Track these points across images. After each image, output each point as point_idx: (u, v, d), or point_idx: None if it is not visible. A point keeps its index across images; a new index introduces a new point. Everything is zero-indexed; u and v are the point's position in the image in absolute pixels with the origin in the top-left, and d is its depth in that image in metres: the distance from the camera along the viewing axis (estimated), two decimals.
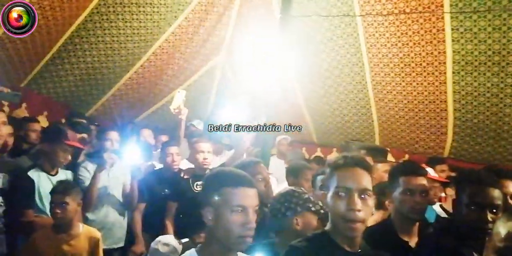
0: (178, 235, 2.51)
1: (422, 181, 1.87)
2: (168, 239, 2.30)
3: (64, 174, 2.73)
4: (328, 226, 1.32)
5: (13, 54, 3.74)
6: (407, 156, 4.17)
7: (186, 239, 2.36)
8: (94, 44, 4.08)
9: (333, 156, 4.48)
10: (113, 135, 3.00)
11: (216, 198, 1.17)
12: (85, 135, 3.22)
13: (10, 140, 3.02)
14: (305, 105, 4.63)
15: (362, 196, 1.24)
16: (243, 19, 4.46)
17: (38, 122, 3.50)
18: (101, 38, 4.06)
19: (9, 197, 2.36)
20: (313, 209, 1.82)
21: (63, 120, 4.31)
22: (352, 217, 1.21)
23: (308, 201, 1.83)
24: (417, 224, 1.88)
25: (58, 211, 2.19)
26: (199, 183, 3.03)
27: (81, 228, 2.31)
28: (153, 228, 2.86)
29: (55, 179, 2.63)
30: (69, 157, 2.71)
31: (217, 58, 4.85)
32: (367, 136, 4.41)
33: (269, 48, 3.93)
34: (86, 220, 2.72)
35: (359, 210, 1.21)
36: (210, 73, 4.93)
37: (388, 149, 3.85)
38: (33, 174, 2.56)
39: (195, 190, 3.02)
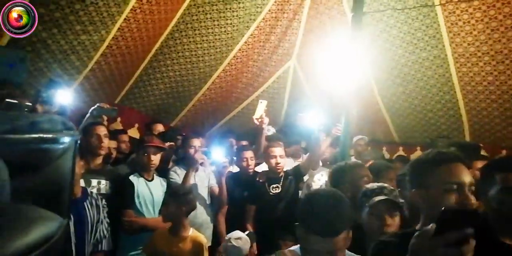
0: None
1: None
2: (237, 234, 2.49)
3: (158, 180, 2.98)
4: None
5: (108, 75, 4.20)
6: (504, 152, 3.75)
7: (248, 231, 2.65)
8: (175, 59, 4.41)
9: (417, 155, 4.21)
10: (196, 142, 3.20)
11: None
12: (172, 144, 3.48)
13: (114, 152, 3.41)
14: (383, 103, 4.44)
15: (469, 190, 1.21)
16: (314, 21, 4.46)
17: (126, 133, 3.92)
18: (181, 53, 4.37)
19: (112, 200, 2.61)
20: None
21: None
22: None
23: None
24: None
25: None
26: (274, 186, 3.11)
27: (190, 232, 2.48)
28: (234, 230, 2.97)
29: (151, 184, 2.89)
30: (157, 159, 2.88)
31: (289, 63, 4.90)
32: (455, 132, 4.07)
33: (342, 47, 3.88)
34: None
35: (472, 204, 1.18)
36: (282, 78, 4.99)
37: (481, 145, 3.51)
38: (132, 179, 2.83)
39: (271, 193, 3.09)
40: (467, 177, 1.23)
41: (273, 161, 3.07)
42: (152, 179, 2.92)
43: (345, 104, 3.70)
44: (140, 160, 2.89)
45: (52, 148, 0.80)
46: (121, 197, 2.71)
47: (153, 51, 4.31)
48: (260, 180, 3.20)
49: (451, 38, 3.56)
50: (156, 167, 2.93)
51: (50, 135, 0.72)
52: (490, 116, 3.76)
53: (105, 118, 4.32)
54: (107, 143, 2.74)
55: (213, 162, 3.04)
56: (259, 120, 3.41)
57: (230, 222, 3.16)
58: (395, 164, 3.20)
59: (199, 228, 2.96)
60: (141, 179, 2.86)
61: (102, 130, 2.72)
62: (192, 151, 3.04)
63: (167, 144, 3.24)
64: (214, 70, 4.62)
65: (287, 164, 3.47)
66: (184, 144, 3.31)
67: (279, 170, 3.09)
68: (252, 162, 3.29)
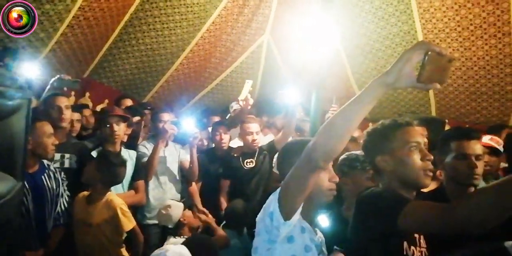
0: None
1: (476, 144, 1.77)
2: (167, 202, 2.73)
3: (126, 152, 2.92)
4: None
5: (75, 47, 4.05)
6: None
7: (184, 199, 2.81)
8: (146, 32, 4.28)
9: None
10: (166, 116, 3.15)
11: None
12: (139, 118, 3.40)
13: (78, 126, 3.32)
14: (354, 78, 4.50)
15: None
16: None
17: (88, 107, 3.83)
18: (152, 26, 4.24)
19: (77, 175, 2.52)
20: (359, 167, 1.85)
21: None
22: None
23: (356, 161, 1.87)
24: (473, 190, 1.80)
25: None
26: (248, 160, 3.15)
27: (105, 197, 2.34)
28: (209, 205, 3.02)
29: None
30: (122, 130, 2.79)
31: (262, 37, 4.85)
32: (422, 108, 4.20)
33: (314, 22, 3.86)
34: (146, 199, 2.91)
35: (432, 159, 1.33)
36: (256, 53, 4.95)
37: (446, 121, 3.64)
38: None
39: (245, 168, 3.14)
40: (422, 138, 1.35)
41: (249, 137, 3.10)
42: (119, 151, 2.88)
43: (317, 79, 3.73)
44: (103, 132, 2.82)
45: (0, 102, 0.78)
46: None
47: (122, 23, 4.16)
48: (235, 155, 3.23)
49: (421, 14, 3.61)
50: (121, 140, 2.87)
51: None
52: (455, 92, 3.89)
53: (72, 94, 4.21)
54: (69, 115, 2.65)
55: (183, 133, 3.00)
56: (245, 101, 3.37)
57: (205, 197, 3.20)
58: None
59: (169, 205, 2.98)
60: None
61: (63, 101, 2.62)
62: (161, 125, 3.00)
63: (135, 119, 3.18)
64: (187, 44, 4.53)
65: (266, 140, 3.52)
66: (153, 118, 3.26)
67: (255, 146, 3.13)
68: (225, 137, 3.31)
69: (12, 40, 3.54)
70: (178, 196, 3.07)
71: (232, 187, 3.19)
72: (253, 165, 3.16)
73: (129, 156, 2.90)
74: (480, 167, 1.76)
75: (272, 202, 1.23)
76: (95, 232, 2.28)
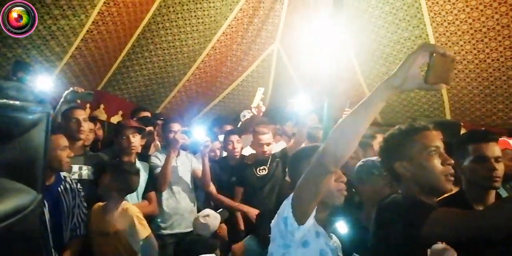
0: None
1: (494, 146, 1.74)
2: (206, 212, 2.59)
3: (140, 165, 2.96)
4: None
5: (89, 60, 4.14)
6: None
7: (222, 209, 2.73)
8: (158, 44, 4.35)
9: None
10: (176, 126, 3.17)
11: None
12: (151, 128, 3.43)
13: (91, 136, 3.38)
14: (366, 84, 4.48)
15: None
16: (297, 3, 4.44)
17: (97, 119, 3.91)
18: (164, 38, 4.32)
19: (94, 187, 2.56)
20: (377, 173, 1.82)
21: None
22: None
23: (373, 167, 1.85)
24: (494, 193, 1.76)
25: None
26: (261, 168, 3.16)
27: (121, 205, 2.36)
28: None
29: None
30: (138, 142, 2.84)
31: (272, 46, 4.88)
32: (437, 111, 4.14)
33: (324, 29, 3.87)
34: (160, 209, 2.92)
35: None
36: (266, 61, 4.98)
37: (462, 124, 3.58)
38: None
39: (258, 175, 3.14)
40: (440, 142, 1.32)
41: (260, 149, 3.12)
42: (134, 163, 2.91)
43: (329, 86, 3.72)
44: (120, 144, 2.86)
45: (21, 117, 0.80)
46: None
47: (135, 36, 4.24)
48: (248, 162, 3.24)
49: (432, 18, 3.58)
50: (137, 151, 2.91)
51: (16, 102, 0.72)
52: (470, 94, 3.84)
53: (86, 106, 4.29)
54: (87, 127, 2.71)
55: (194, 142, 3.02)
56: (257, 108, 3.41)
57: (218, 205, 3.20)
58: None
59: (183, 213, 2.99)
60: None
61: (80, 114, 2.68)
62: (172, 135, 3.02)
63: (147, 129, 3.22)
64: (198, 54, 4.58)
65: (278, 147, 3.52)
66: (164, 128, 3.29)
67: (266, 156, 3.15)
68: (238, 145, 3.32)
69: (29, 55, 3.65)
70: (192, 205, 3.08)
71: (246, 194, 3.19)
72: (266, 172, 3.16)
73: (143, 168, 2.93)
74: (500, 169, 1.72)
75: (286, 207, 1.24)
76: (112, 241, 2.29)
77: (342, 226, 1.60)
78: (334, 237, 1.40)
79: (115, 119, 4.57)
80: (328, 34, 3.76)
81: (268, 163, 3.18)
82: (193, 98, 5.07)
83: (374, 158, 1.95)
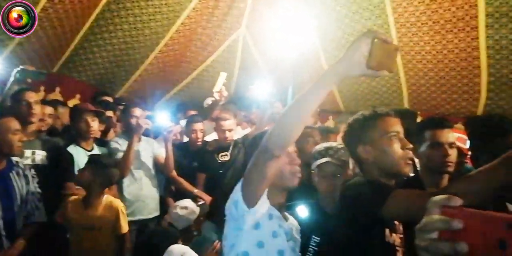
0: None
1: (449, 133, 1.83)
2: (185, 203, 2.45)
3: (99, 150, 2.86)
4: None
5: (44, 41, 3.89)
6: None
7: (202, 202, 2.53)
8: (118, 25, 4.16)
9: None
10: (138, 111, 3.07)
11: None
12: (111, 113, 3.30)
13: (49, 120, 3.20)
14: None
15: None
16: None
17: (64, 104, 3.70)
18: (125, 19, 4.13)
19: (50, 172, 2.48)
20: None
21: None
22: None
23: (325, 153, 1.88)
24: (447, 178, 1.85)
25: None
26: (223, 154, 3.15)
27: (104, 198, 2.35)
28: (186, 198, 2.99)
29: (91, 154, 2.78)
30: (96, 126, 2.74)
31: (238, 31, 4.82)
32: (396, 100, 4.30)
33: (290, 16, 3.87)
34: (122, 196, 2.85)
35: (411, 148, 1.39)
36: (232, 47, 4.92)
37: (419, 112, 3.74)
38: (71, 149, 2.69)
39: (220, 161, 3.14)
40: (400, 127, 1.37)
41: (222, 135, 3.10)
42: (92, 149, 2.81)
43: (293, 73, 3.75)
44: (77, 128, 2.74)
45: None
46: (59, 169, 2.57)
47: (94, 15, 4.02)
48: (209, 149, 3.22)
49: (394, 8, 3.67)
50: (95, 136, 2.80)
51: None
52: (427, 84, 4.00)
53: (42, 88, 4.06)
54: (38, 110, 2.55)
55: (157, 127, 2.95)
56: (219, 93, 3.36)
57: (180, 191, 3.16)
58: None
59: (145, 200, 2.93)
60: (80, 149, 2.73)
61: (31, 96, 2.52)
62: (133, 121, 2.93)
63: (107, 113, 3.10)
64: (161, 37, 4.44)
65: (244, 133, 3.51)
66: (125, 113, 3.18)
67: (228, 142, 3.13)
68: (201, 135, 3.28)
69: None
70: (155, 191, 3.02)
71: (207, 180, 3.18)
72: (228, 158, 3.15)
73: (101, 152, 2.84)
74: (453, 155, 1.81)
75: (236, 191, 1.28)
76: (96, 236, 2.25)
77: (301, 210, 1.64)
78: (291, 219, 1.43)
79: (72, 103, 4.36)
80: (294, 21, 3.77)
81: (230, 149, 3.18)
82: (156, 83, 4.93)
83: (329, 144, 1.97)
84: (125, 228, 2.34)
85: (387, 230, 1.27)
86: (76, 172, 2.64)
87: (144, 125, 2.83)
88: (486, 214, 0.52)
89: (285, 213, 1.45)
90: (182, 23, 4.38)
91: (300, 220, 1.50)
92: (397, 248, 1.28)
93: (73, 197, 2.40)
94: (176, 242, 1.99)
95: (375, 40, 0.93)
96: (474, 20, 3.35)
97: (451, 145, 1.82)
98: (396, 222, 1.33)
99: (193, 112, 4.24)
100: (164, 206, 3.07)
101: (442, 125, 1.85)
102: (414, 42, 3.77)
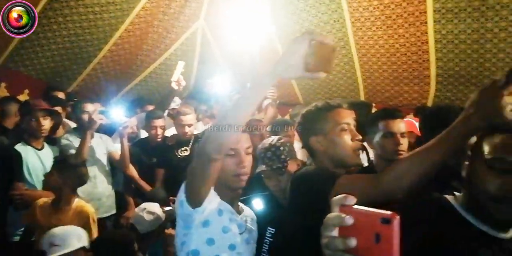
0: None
1: (400, 123, 1.91)
2: (153, 208, 2.35)
3: (49, 149, 2.72)
4: None
5: None
6: None
7: (170, 208, 2.43)
8: (68, 16, 3.95)
9: None
10: (90, 107, 2.94)
11: None
12: (59, 108, 3.13)
13: None
14: None
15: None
16: None
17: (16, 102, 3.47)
18: (75, 10, 3.92)
19: None
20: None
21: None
22: None
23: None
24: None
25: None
26: (183, 149, 3.11)
27: (75, 203, 2.29)
28: (144, 195, 2.93)
29: (41, 153, 2.65)
30: (48, 124, 2.63)
31: (197, 24, 4.74)
32: (352, 93, 4.43)
33: (249, 9, 3.85)
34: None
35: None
36: (191, 40, 4.83)
37: (373, 104, 3.88)
38: (19, 148, 2.55)
39: (179, 156, 3.09)
40: (351, 119, 1.41)
41: (181, 130, 3.05)
42: (42, 147, 2.68)
43: (252, 66, 3.75)
44: (27, 127, 2.59)
45: None
46: (7, 169, 2.41)
47: (40, 6, 3.79)
48: (169, 144, 3.16)
49: (349, 3, 3.75)
50: (46, 135, 2.66)
51: None
52: (381, 77, 4.15)
53: None
54: None
55: (112, 123, 2.85)
56: (177, 82, 3.29)
57: (140, 190, 3.08)
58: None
59: (100, 197, 2.84)
60: (30, 148, 2.60)
61: None
62: (85, 117, 2.81)
63: (56, 109, 2.94)
64: (115, 29, 4.27)
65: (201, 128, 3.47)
66: (76, 109, 3.03)
67: (188, 137, 3.09)
68: (161, 131, 3.21)
69: None
70: (110, 188, 2.93)
71: (167, 176, 3.12)
72: (188, 153, 3.11)
73: (52, 152, 2.72)
74: (404, 144, 1.90)
75: (181, 192, 1.27)
76: None
77: (256, 202, 1.65)
78: (246, 210, 1.43)
79: (21, 99, 4.10)
80: (252, 14, 3.77)
81: (190, 144, 3.14)
82: (111, 77, 4.75)
83: (272, 140, 1.98)
84: (95, 234, 2.27)
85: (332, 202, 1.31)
86: (25, 172, 2.52)
87: (98, 120, 2.72)
88: (367, 211, 0.57)
89: (240, 205, 1.44)
90: (137, 15, 4.24)
91: (257, 213, 1.51)
92: None
93: (43, 199, 2.31)
94: (132, 246, 1.92)
95: (312, 41, 0.90)
96: (424, 15, 3.50)
97: (403, 134, 1.90)
98: None
99: (151, 107, 4.14)
100: (123, 204, 2.99)
101: (394, 115, 1.94)
102: (368, 36, 3.89)
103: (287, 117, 4.67)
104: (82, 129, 2.78)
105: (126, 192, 3.08)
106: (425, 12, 3.47)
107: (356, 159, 1.38)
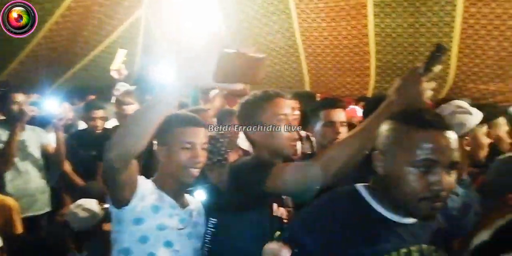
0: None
1: (340, 112, 1.97)
2: (90, 204, 2.21)
3: None
4: None
5: None
6: None
7: (108, 205, 2.30)
8: None
9: None
10: (20, 97, 2.71)
11: (169, 137, 1.30)
12: None
13: None
14: None
15: None
16: None
17: None
18: None
19: None
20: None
21: None
22: None
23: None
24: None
25: None
26: None
27: None
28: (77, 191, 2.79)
29: None
30: None
31: (140, 10, 4.55)
32: (298, 83, 4.53)
33: None
34: (4, 191, 2.52)
35: None
36: (133, 27, 4.63)
37: (318, 95, 3.99)
38: None
39: None
40: (290, 110, 1.38)
41: (123, 120, 2.92)
42: None
43: (197, 55, 3.68)
44: None
45: None
46: None
47: None
48: (110, 135, 3.03)
49: None
50: None
51: None
52: (325, 68, 4.28)
53: None
54: None
55: (46, 114, 2.66)
56: (117, 71, 3.14)
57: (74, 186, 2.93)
58: None
59: (34, 194, 2.65)
60: None
61: None
62: (15, 108, 2.59)
63: None
64: (49, 14, 3.97)
65: None
66: (4, 99, 2.78)
67: None
68: (101, 122, 3.04)
69: None
70: (44, 184, 2.75)
71: None
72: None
73: None
74: (343, 132, 1.97)
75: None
76: None
77: (199, 194, 1.63)
78: (192, 204, 1.39)
79: None
80: (195, 3, 3.68)
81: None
82: (46, 65, 4.44)
83: (213, 131, 1.96)
84: (19, 228, 2.10)
85: (275, 205, 1.33)
86: None
87: (29, 112, 2.52)
88: None
89: (186, 198, 1.40)
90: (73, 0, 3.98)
91: (202, 204, 1.50)
92: (285, 221, 1.35)
93: None
94: (67, 245, 1.81)
95: (224, 51, 0.85)
96: (365, 9, 3.64)
97: (342, 123, 1.97)
98: (284, 197, 1.40)
99: (93, 97, 3.93)
100: (59, 200, 2.82)
101: (334, 105, 1.99)
102: (314, 27, 3.97)
103: (235, 108, 4.67)
104: (11, 121, 2.56)
105: (62, 188, 2.91)
106: (366, 6, 3.61)
107: (291, 149, 1.37)
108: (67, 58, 4.57)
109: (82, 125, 3.25)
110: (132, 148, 1.02)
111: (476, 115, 1.60)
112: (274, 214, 1.32)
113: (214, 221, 1.45)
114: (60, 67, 4.63)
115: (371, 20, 3.65)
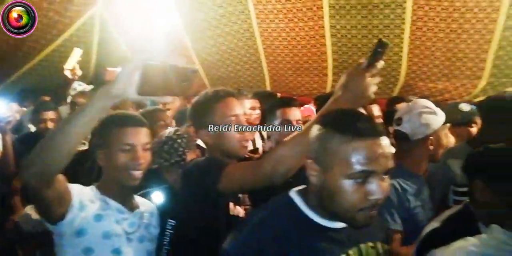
0: None
1: (295, 111, 2.02)
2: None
3: None
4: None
5: None
6: None
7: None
8: None
9: None
10: None
11: (106, 139, 1.24)
12: None
13: None
14: (196, 55, 4.54)
15: None
16: None
17: None
18: None
19: None
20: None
21: None
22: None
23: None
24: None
25: None
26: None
27: None
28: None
29: None
30: None
31: (95, 8, 4.40)
32: (259, 83, 4.56)
33: None
34: None
35: None
36: (88, 25, 4.47)
37: (278, 94, 4.04)
38: None
39: (77, 151, 2.86)
40: (240, 110, 1.38)
41: None
42: None
43: (156, 55, 3.62)
44: None
45: None
46: None
47: None
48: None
49: None
50: None
51: None
52: (285, 68, 4.35)
53: None
54: None
55: None
56: (71, 71, 3.01)
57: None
58: None
59: None
60: None
61: None
62: None
63: None
64: None
65: None
66: None
67: None
68: (52, 124, 2.90)
69: None
70: None
71: (64, 172, 2.85)
72: (87, 147, 2.89)
73: None
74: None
75: None
76: None
77: (156, 196, 1.61)
78: (142, 206, 1.34)
79: None
80: (157, 3, 3.62)
81: (89, 138, 2.90)
82: None
83: (168, 134, 1.92)
84: None
85: (231, 204, 1.34)
86: None
87: None
88: None
89: (135, 200, 1.35)
90: None
91: (157, 207, 1.47)
92: (242, 219, 1.36)
93: None
94: (13, 247, 1.72)
95: (147, 64, 0.83)
96: (321, 11, 3.73)
97: (297, 121, 2.02)
98: (240, 195, 1.41)
99: (47, 98, 3.75)
100: (6, 206, 2.67)
101: (290, 104, 2.04)
102: (272, 28, 4.02)
103: None
104: None
105: (13, 193, 2.76)
106: (322, 8, 3.70)
107: (242, 151, 1.35)
108: (15, 58, 4.33)
109: (32, 128, 3.09)
110: (51, 165, 0.95)
111: (441, 116, 1.64)
112: (231, 213, 1.33)
113: (172, 222, 1.44)
114: (8, 67, 4.38)
115: (327, 21, 3.75)
